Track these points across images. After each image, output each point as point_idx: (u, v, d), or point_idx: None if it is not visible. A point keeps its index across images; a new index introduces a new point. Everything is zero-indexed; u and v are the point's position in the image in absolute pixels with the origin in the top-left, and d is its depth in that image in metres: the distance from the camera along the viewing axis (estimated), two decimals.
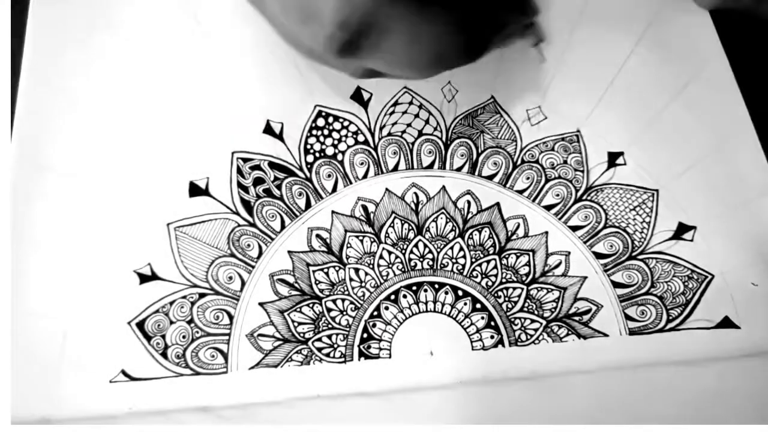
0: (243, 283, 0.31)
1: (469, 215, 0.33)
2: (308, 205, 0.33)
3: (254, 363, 0.30)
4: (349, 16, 0.22)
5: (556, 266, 0.32)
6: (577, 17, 0.36)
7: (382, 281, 0.31)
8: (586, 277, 0.31)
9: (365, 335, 0.30)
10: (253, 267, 0.31)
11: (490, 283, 0.31)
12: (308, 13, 0.23)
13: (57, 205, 0.32)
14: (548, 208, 0.33)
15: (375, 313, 0.31)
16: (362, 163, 0.33)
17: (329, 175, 0.33)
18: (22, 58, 0.34)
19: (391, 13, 0.23)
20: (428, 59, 0.26)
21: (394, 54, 0.24)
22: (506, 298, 0.31)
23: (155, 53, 0.35)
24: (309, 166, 0.33)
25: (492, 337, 0.30)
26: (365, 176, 0.33)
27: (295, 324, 0.30)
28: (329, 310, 0.31)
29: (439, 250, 0.32)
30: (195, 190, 0.32)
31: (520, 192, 0.33)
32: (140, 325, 0.30)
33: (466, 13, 0.25)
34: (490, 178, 0.33)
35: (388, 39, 0.23)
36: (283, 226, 0.32)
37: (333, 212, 0.32)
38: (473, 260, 0.32)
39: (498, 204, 0.33)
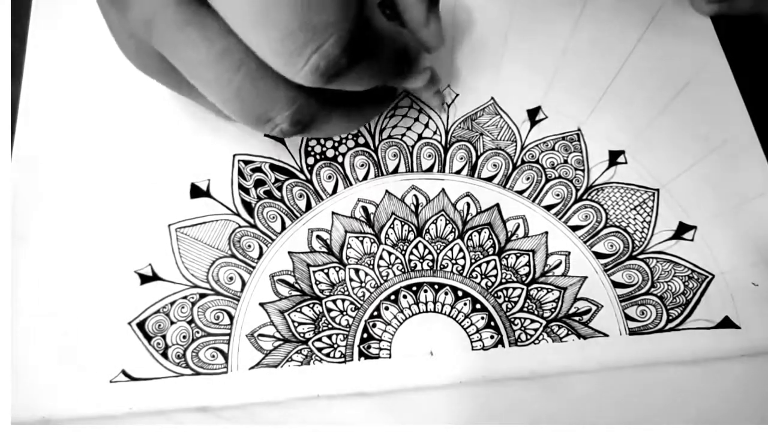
0: (243, 284, 0.31)
1: (469, 217, 0.33)
2: (309, 206, 0.33)
3: (254, 363, 0.30)
4: (301, 119, 0.25)
5: (556, 266, 0.32)
6: (576, 18, 0.36)
7: (382, 282, 0.31)
8: (586, 277, 0.31)
9: (365, 335, 0.30)
10: (253, 267, 0.31)
11: (489, 284, 0.31)
12: (264, 119, 0.25)
13: (57, 206, 0.32)
14: (548, 208, 0.33)
15: (375, 313, 0.31)
16: (362, 165, 0.34)
17: (330, 177, 0.33)
18: (23, 59, 0.34)
19: (331, 110, 0.26)
20: (358, 126, 0.31)
21: (332, 130, 0.28)
22: (506, 299, 0.31)
23: None
24: (309, 168, 0.33)
25: (492, 337, 0.30)
26: (365, 178, 0.33)
27: (296, 324, 0.30)
28: (329, 310, 0.31)
29: (438, 251, 0.32)
30: (196, 192, 0.33)
31: (520, 192, 0.33)
32: (141, 326, 0.30)
33: (385, 87, 0.31)
34: (490, 179, 0.33)
35: (328, 123, 0.27)
36: (283, 227, 0.32)
37: (333, 213, 0.32)
38: (473, 261, 0.32)
39: (498, 205, 0.33)
